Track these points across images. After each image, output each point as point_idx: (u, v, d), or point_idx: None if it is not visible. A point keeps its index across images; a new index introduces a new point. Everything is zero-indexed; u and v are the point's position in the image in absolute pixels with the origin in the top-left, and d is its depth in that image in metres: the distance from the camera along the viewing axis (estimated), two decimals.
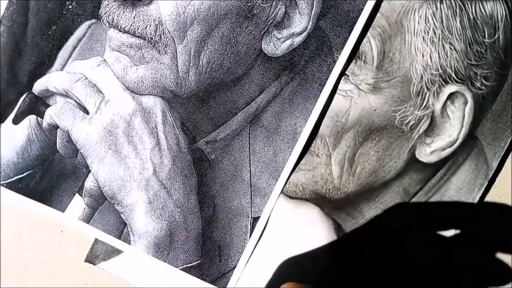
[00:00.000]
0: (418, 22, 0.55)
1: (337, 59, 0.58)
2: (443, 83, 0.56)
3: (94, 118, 0.59)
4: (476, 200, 0.58)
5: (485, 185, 0.58)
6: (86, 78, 0.60)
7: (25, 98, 0.63)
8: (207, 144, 0.62)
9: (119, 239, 0.63)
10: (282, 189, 0.60)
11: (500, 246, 0.55)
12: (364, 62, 0.56)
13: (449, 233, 0.56)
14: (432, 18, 0.55)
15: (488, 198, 0.58)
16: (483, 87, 0.56)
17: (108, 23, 0.58)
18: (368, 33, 0.56)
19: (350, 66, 0.57)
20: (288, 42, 0.59)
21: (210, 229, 0.61)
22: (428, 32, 0.55)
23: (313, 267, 0.59)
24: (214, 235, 0.61)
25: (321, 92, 0.58)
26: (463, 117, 0.56)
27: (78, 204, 0.63)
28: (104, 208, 0.62)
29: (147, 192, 0.58)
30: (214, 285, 0.61)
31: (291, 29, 0.58)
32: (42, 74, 0.66)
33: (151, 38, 0.57)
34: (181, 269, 0.60)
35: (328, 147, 0.58)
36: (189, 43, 0.57)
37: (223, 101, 0.61)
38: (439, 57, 0.55)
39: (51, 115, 0.60)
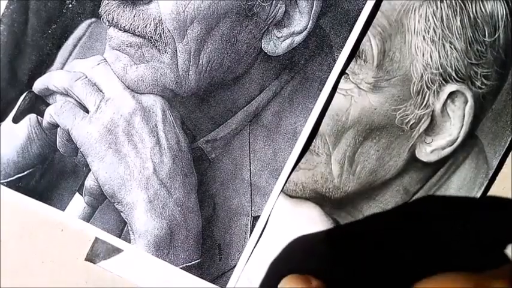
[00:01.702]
0: (419, 21, 0.55)
1: (337, 58, 0.58)
2: (443, 82, 0.56)
3: (94, 117, 0.59)
4: None
5: (485, 184, 0.58)
6: (86, 77, 0.60)
7: (25, 96, 0.63)
8: (207, 143, 0.62)
9: (119, 237, 0.63)
10: (282, 188, 0.60)
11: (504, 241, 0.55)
12: (364, 61, 0.56)
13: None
14: (432, 17, 0.55)
15: None
16: (483, 87, 0.56)
17: (108, 21, 0.58)
18: (368, 32, 0.56)
19: (350, 65, 0.57)
20: (288, 41, 0.59)
21: (210, 228, 0.61)
22: (428, 31, 0.55)
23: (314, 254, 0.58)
24: (214, 234, 0.61)
25: (321, 91, 0.58)
26: (463, 116, 0.56)
27: (78, 203, 0.63)
28: (104, 207, 0.62)
29: (147, 191, 0.58)
30: (214, 284, 0.61)
31: (291, 28, 0.58)
32: (42, 73, 0.66)
33: (151, 37, 0.57)
34: (181, 268, 0.60)
35: (328, 146, 0.58)
36: (189, 42, 0.57)
37: (223, 100, 0.61)
38: (439, 57, 0.55)
39: (51, 114, 0.60)
